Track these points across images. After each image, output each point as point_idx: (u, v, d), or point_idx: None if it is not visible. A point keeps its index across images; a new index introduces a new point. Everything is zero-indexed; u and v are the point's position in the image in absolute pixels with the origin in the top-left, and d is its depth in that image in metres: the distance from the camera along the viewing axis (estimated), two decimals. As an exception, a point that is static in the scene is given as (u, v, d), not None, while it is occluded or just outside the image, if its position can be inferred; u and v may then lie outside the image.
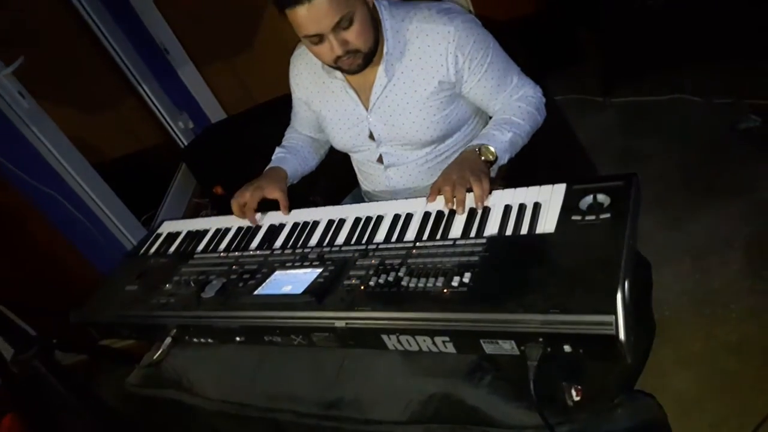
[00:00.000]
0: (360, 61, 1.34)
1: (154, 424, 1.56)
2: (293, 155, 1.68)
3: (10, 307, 1.95)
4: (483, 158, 1.32)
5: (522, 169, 1.58)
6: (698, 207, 2.23)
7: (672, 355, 1.73)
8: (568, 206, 1.07)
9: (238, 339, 1.22)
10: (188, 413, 1.34)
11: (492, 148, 1.33)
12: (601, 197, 1.05)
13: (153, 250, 1.54)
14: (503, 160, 1.37)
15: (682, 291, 1.94)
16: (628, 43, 2.90)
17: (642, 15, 2.74)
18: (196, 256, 1.43)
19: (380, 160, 1.57)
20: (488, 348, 0.97)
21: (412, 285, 1.04)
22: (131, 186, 3.09)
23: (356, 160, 1.68)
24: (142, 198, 3.27)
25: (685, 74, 2.85)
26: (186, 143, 3.46)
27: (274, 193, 1.49)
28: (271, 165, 1.65)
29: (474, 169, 1.25)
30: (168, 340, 1.29)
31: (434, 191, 1.27)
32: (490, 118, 1.51)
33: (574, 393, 0.99)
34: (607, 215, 1.00)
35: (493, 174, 1.61)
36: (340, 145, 1.61)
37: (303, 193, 1.73)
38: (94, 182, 2.76)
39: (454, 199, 1.21)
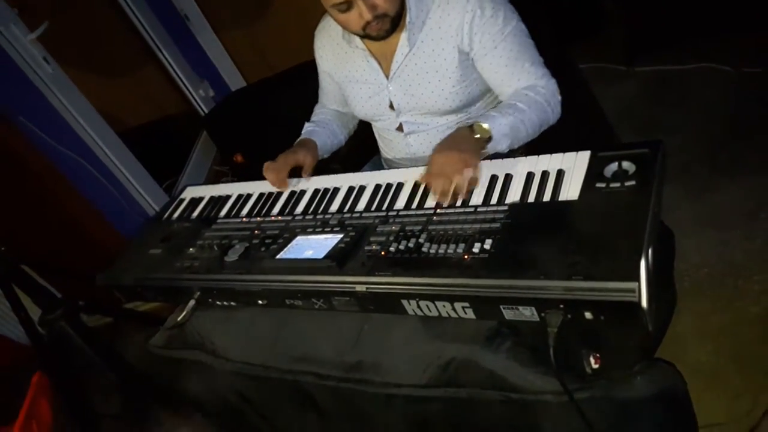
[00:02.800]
0: (388, 26, 1.33)
1: (177, 384, 1.60)
2: (322, 128, 1.69)
3: (37, 269, 1.99)
4: (477, 135, 1.23)
5: (543, 139, 1.56)
6: (722, 179, 2.19)
7: (692, 326, 1.73)
8: (593, 173, 1.06)
9: (260, 302, 1.24)
10: (211, 374, 1.37)
11: (485, 125, 1.24)
12: (626, 164, 1.04)
13: (176, 214, 1.56)
14: (501, 144, 1.26)
15: (704, 263, 1.92)
16: (653, 10, 2.82)
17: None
18: (218, 220, 1.45)
19: (400, 128, 1.56)
20: (508, 314, 0.97)
21: (432, 251, 1.04)
22: (153, 153, 3.12)
23: (377, 127, 1.67)
24: (164, 165, 3.30)
25: (712, 42, 2.76)
26: (206, 111, 3.47)
27: (306, 159, 1.51)
28: (301, 138, 1.66)
29: (462, 153, 1.18)
30: (191, 302, 1.31)
31: (424, 179, 1.24)
32: None
33: (593, 360, 1.00)
34: (632, 182, 0.99)
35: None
36: (361, 114, 1.61)
37: (323, 161, 1.73)
38: (117, 148, 2.79)
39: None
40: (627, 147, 1.08)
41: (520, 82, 1.38)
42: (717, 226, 2.02)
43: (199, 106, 3.55)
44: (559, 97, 1.39)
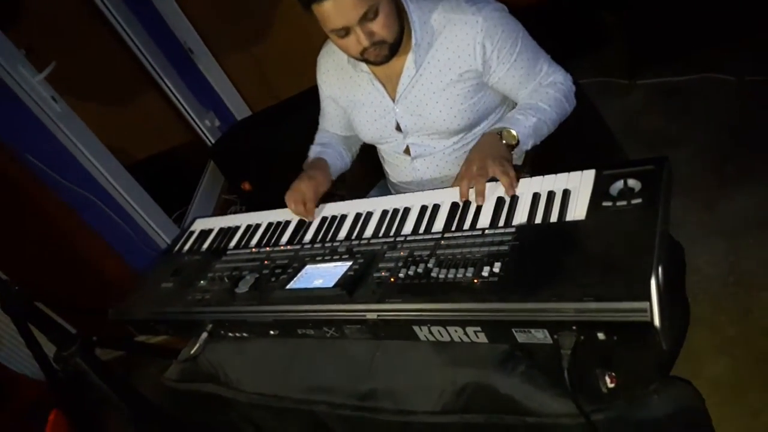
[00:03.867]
0: (386, 52, 1.35)
1: (192, 417, 1.59)
2: (329, 149, 1.70)
3: (51, 306, 2.00)
4: (504, 142, 1.31)
5: (549, 156, 1.57)
6: (730, 189, 2.18)
7: (708, 339, 1.71)
8: (599, 192, 1.06)
9: (272, 332, 1.24)
10: (226, 406, 1.37)
11: (514, 132, 1.31)
12: (631, 182, 1.04)
13: (187, 247, 1.57)
14: (526, 145, 1.35)
15: (716, 274, 1.91)
16: (653, 23, 2.84)
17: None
18: (228, 252, 1.46)
19: (407, 151, 1.57)
20: (520, 337, 0.97)
21: (441, 276, 1.04)
22: (162, 185, 3.15)
23: (383, 151, 1.68)
24: (173, 196, 3.33)
25: (714, 52, 2.78)
26: (213, 141, 3.50)
27: (321, 187, 1.52)
28: (310, 159, 1.66)
29: (495, 156, 1.25)
30: (204, 335, 1.32)
31: (457, 183, 1.27)
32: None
33: (608, 380, 0.99)
34: (639, 200, 0.99)
35: (516, 160, 1.60)
36: (368, 137, 1.62)
37: (329, 187, 1.74)
38: (126, 182, 2.82)
39: (472, 190, 1.22)
40: (632, 164, 1.08)
41: (541, 84, 1.44)
42: (728, 236, 2.01)
43: (206, 136, 3.58)
44: (574, 88, 1.47)
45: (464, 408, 1.06)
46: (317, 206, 1.48)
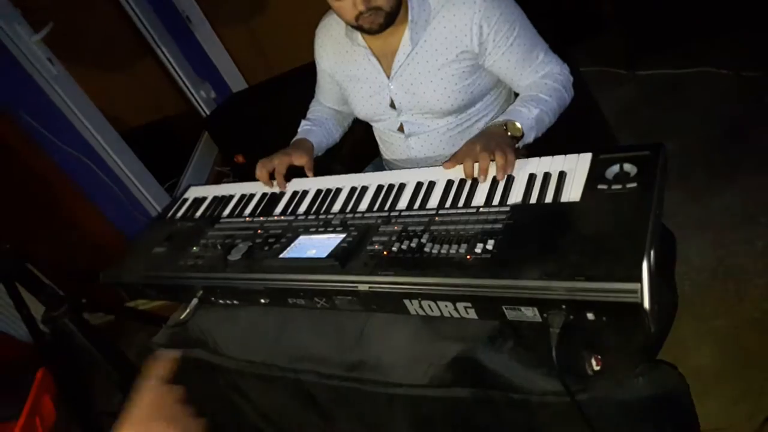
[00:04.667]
0: (381, 20, 1.34)
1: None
2: (318, 127, 1.70)
3: (39, 267, 2.00)
4: (509, 133, 1.30)
5: (544, 142, 1.57)
6: (723, 182, 2.20)
7: (693, 329, 1.73)
8: (594, 175, 1.06)
9: (262, 301, 1.25)
10: (213, 373, 1.37)
11: (518, 124, 1.31)
12: (627, 166, 1.04)
13: (180, 214, 1.57)
14: (529, 137, 1.34)
15: (705, 266, 1.93)
16: (653, 14, 2.83)
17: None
18: (222, 220, 1.45)
19: (401, 129, 1.57)
20: (510, 314, 0.97)
21: (434, 251, 1.04)
22: (155, 153, 3.14)
23: (378, 129, 1.68)
24: (166, 165, 3.31)
25: (712, 46, 2.78)
26: (208, 112, 3.48)
27: (302, 159, 1.52)
28: (297, 137, 1.66)
29: (499, 142, 1.24)
30: (194, 301, 1.31)
31: (454, 159, 1.26)
32: (516, 94, 1.50)
33: (594, 362, 1.00)
34: (634, 184, 1.00)
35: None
36: (362, 114, 1.62)
37: (325, 162, 1.74)
38: (119, 148, 2.81)
39: (476, 166, 1.21)
40: (628, 149, 1.08)
41: (538, 74, 1.43)
42: (717, 229, 2.03)
43: (201, 107, 3.56)
44: (572, 78, 1.46)
45: (451, 382, 1.06)
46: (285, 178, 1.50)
